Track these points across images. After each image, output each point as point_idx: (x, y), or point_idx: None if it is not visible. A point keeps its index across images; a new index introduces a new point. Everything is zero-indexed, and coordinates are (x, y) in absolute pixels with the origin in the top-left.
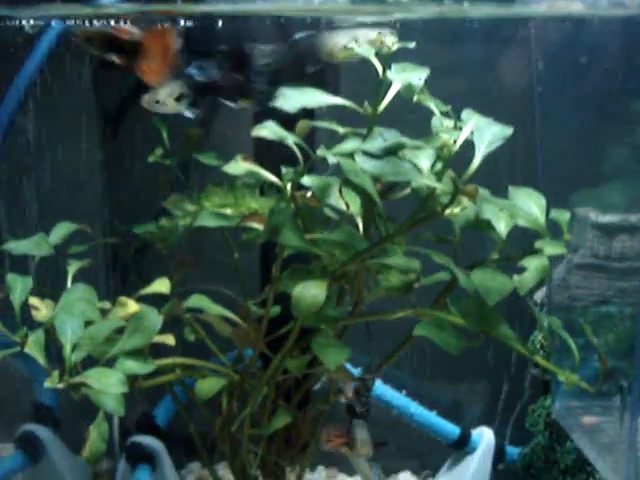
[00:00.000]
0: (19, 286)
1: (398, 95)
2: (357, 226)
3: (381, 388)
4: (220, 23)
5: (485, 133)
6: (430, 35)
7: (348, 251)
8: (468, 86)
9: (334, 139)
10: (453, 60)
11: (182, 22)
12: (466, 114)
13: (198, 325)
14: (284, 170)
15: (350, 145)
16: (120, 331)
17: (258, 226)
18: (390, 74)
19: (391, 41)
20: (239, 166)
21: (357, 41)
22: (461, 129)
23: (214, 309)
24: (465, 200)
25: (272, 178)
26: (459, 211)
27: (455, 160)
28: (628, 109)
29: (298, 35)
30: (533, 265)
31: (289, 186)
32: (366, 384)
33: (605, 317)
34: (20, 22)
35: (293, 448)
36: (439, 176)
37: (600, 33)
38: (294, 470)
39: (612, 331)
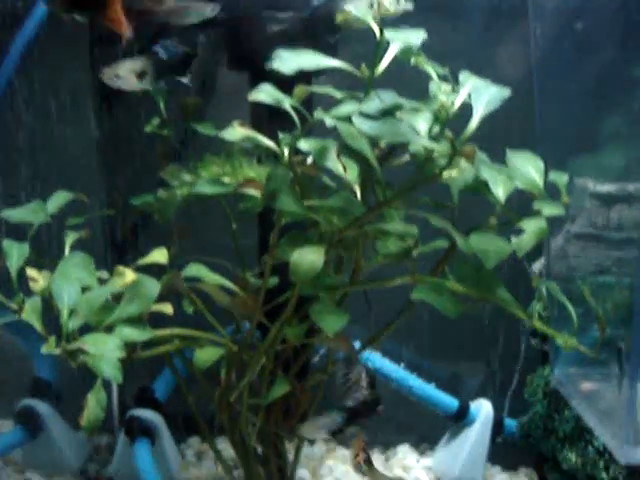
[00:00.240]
0: (15, 253)
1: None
2: (355, 193)
3: (379, 361)
4: None
5: (483, 94)
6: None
7: (346, 217)
8: (467, 56)
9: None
10: (451, 27)
11: None
12: (463, 76)
13: (196, 297)
14: (281, 135)
15: (348, 108)
16: (118, 300)
17: (255, 193)
18: (388, 34)
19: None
20: (236, 132)
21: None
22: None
23: (212, 278)
24: (463, 163)
25: (269, 143)
26: (457, 174)
27: (454, 126)
28: (628, 74)
29: (317, 1)
30: (531, 227)
31: (286, 151)
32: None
33: (603, 287)
34: None
35: (292, 418)
36: (437, 138)
37: None
38: (293, 441)
39: (610, 300)
